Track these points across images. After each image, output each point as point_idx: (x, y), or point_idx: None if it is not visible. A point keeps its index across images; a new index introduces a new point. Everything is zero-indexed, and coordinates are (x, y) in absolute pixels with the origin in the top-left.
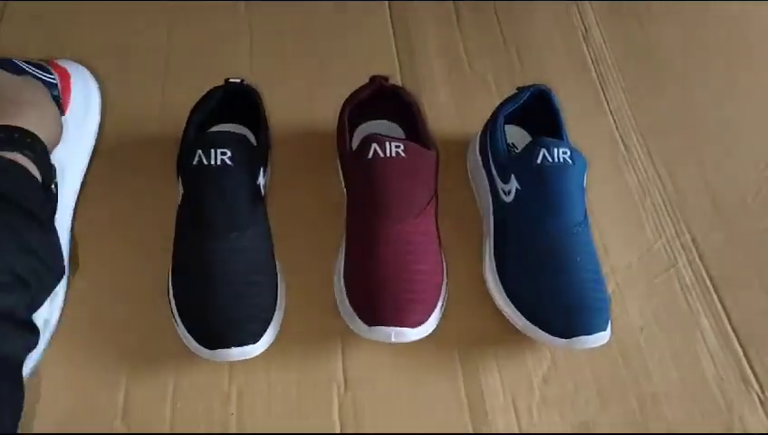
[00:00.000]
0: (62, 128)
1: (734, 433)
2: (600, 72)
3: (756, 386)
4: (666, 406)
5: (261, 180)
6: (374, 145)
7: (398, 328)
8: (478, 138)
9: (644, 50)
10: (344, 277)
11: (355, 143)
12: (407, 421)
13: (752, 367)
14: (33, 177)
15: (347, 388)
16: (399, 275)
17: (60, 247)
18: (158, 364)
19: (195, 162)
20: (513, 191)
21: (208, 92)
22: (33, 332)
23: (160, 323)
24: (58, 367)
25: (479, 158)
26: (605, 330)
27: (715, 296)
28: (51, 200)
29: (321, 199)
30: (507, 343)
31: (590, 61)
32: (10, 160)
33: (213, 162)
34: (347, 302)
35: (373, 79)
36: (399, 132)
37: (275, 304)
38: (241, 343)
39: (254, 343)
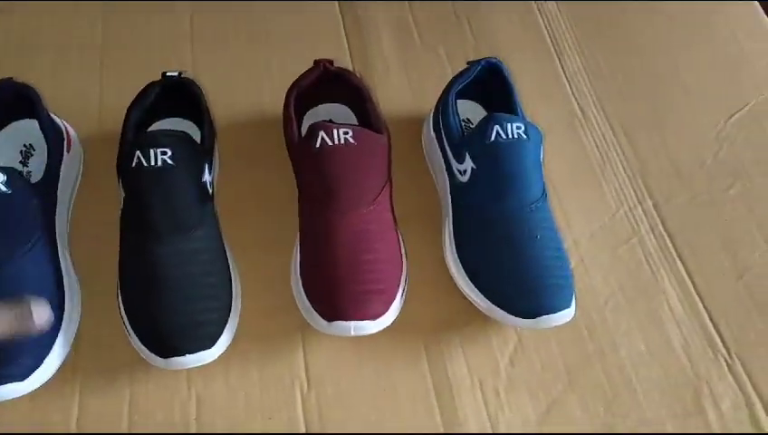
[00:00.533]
0: None
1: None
2: (556, 39)
3: (723, 350)
4: (634, 377)
5: (207, 177)
6: (321, 133)
7: (358, 322)
8: (431, 115)
9: (599, 16)
10: (300, 272)
11: (305, 130)
12: (373, 414)
13: (718, 331)
14: None
15: (310, 386)
16: (355, 267)
17: None
18: (113, 375)
19: (134, 164)
20: (469, 171)
21: (145, 88)
22: None
23: (113, 333)
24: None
25: (433, 136)
26: (569, 307)
27: (678, 262)
28: None
29: (273, 191)
30: (472, 327)
31: (544, 27)
32: None
33: (153, 163)
34: (304, 298)
35: (317, 63)
36: (351, 115)
37: (230, 305)
38: (196, 349)
39: (208, 348)
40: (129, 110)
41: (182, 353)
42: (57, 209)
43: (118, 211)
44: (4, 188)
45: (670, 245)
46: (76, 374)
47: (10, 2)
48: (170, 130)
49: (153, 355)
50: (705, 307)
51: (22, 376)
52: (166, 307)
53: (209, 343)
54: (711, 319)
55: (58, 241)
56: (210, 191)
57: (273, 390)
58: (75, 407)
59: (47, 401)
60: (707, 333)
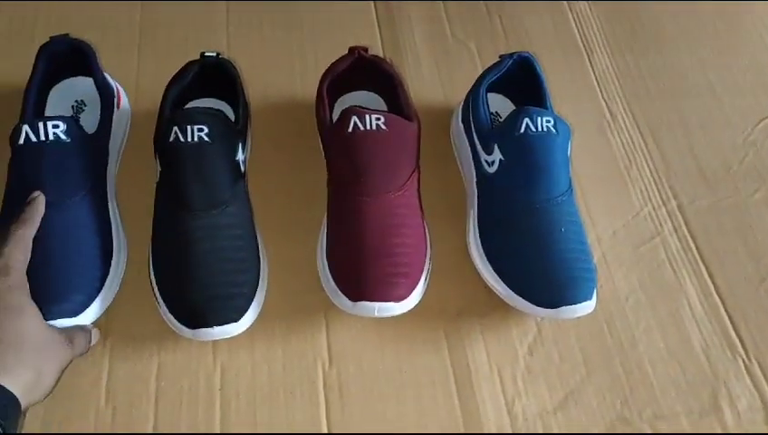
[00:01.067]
0: (45, 395)
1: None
2: (586, 38)
3: (742, 352)
4: (651, 374)
5: (240, 156)
6: (354, 118)
7: (382, 303)
8: (461, 108)
9: (630, 16)
10: (327, 253)
11: (336, 116)
12: (392, 395)
13: (738, 333)
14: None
15: (332, 364)
16: (382, 249)
17: None
18: (142, 344)
19: (171, 139)
20: (497, 162)
21: (183, 67)
22: None
23: (143, 304)
24: None
25: (462, 128)
26: (590, 299)
27: (701, 264)
28: None
29: (302, 174)
30: (493, 315)
31: (575, 27)
32: None
33: (190, 139)
34: (330, 278)
35: (352, 50)
36: (381, 104)
37: (258, 281)
38: (223, 321)
39: (236, 322)
40: (168, 87)
41: (209, 325)
42: (108, 162)
43: (153, 184)
44: (63, 137)
45: (693, 246)
46: (106, 340)
47: None
48: (207, 108)
49: (181, 326)
50: (725, 309)
51: (74, 312)
52: (195, 279)
53: (236, 316)
54: (731, 321)
55: (108, 192)
56: (242, 170)
57: (295, 365)
58: (105, 372)
59: (77, 363)
60: (727, 334)
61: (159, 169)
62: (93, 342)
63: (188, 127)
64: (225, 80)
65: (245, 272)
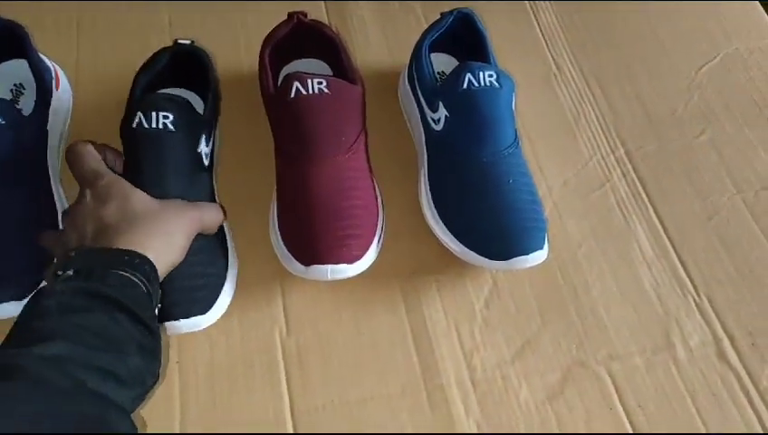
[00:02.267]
0: (182, 255)
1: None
2: None
3: (692, 289)
4: (605, 317)
5: (204, 148)
6: (296, 83)
7: (335, 265)
8: (406, 69)
9: None
10: (278, 221)
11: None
12: (352, 357)
13: (687, 272)
14: (148, 293)
15: (289, 331)
16: (332, 213)
17: (161, 357)
18: None
19: (134, 125)
20: (443, 119)
21: (154, 54)
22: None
23: None
24: None
25: (408, 88)
26: (542, 249)
27: (649, 207)
28: (155, 317)
29: (251, 148)
30: (448, 272)
31: None
32: (131, 279)
33: (153, 125)
34: (282, 245)
35: (291, 15)
36: (327, 69)
37: (226, 272)
38: (192, 314)
39: (202, 314)
40: (138, 74)
41: (176, 319)
42: (48, 144)
43: None
44: None
45: (642, 190)
46: None
47: None
48: (174, 95)
49: None
50: (674, 249)
51: (22, 296)
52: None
53: (203, 309)
54: (680, 260)
55: (50, 173)
56: (206, 163)
57: (253, 335)
58: None
59: None
60: (677, 274)
61: (124, 155)
62: (222, 219)
63: (153, 113)
64: (196, 70)
65: (213, 264)
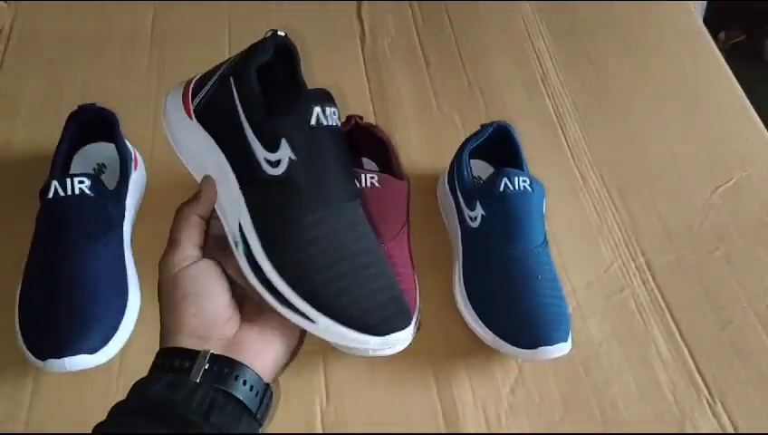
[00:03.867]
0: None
1: (685, 433)
2: (558, 110)
3: (706, 392)
4: (624, 411)
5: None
6: None
7: None
8: (446, 171)
9: (599, 90)
10: None
11: None
12: (385, 429)
13: (702, 376)
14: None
15: (329, 400)
16: None
17: None
18: None
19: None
20: (479, 217)
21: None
22: None
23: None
24: None
25: (447, 188)
26: (566, 341)
27: (667, 313)
28: None
29: None
30: (477, 357)
31: (548, 100)
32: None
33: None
34: None
35: (349, 118)
36: (374, 167)
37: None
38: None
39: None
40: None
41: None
42: (126, 216)
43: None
44: (87, 191)
45: (660, 297)
46: (119, 377)
47: None
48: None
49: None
50: (690, 354)
51: (93, 349)
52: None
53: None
54: (696, 365)
55: (125, 243)
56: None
57: (295, 403)
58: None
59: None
60: (692, 377)
61: None
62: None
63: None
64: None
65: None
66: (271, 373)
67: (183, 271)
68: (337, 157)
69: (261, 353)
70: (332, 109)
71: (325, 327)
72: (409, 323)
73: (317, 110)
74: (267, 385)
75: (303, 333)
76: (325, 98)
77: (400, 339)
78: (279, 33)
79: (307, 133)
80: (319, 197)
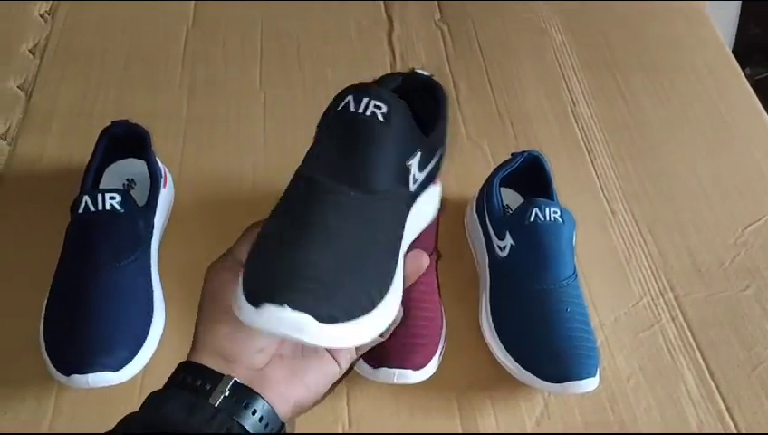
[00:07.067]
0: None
1: None
2: (588, 141)
3: (735, 432)
4: None
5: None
6: None
7: (402, 370)
8: (475, 200)
9: (629, 124)
10: None
11: None
12: None
13: (731, 416)
14: None
15: (351, 425)
16: (406, 319)
17: None
18: None
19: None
20: (508, 247)
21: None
22: None
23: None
24: None
25: (476, 217)
26: (594, 376)
27: (696, 351)
28: None
29: None
30: (502, 389)
31: (578, 131)
32: None
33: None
34: None
35: None
36: None
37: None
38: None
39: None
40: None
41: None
42: (153, 233)
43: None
44: (118, 207)
45: (689, 334)
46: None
47: None
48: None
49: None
50: (720, 393)
51: (117, 366)
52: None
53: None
54: (725, 404)
55: (152, 260)
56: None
57: (317, 427)
58: None
59: None
60: (721, 416)
61: None
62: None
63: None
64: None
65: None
66: (290, 414)
67: (226, 286)
68: None
69: (285, 395)
70: None
71: None
72: None
73: None
74: (283, 424)
75: (337, 382)
76: None
77: None
78: None
79: None
80: None
